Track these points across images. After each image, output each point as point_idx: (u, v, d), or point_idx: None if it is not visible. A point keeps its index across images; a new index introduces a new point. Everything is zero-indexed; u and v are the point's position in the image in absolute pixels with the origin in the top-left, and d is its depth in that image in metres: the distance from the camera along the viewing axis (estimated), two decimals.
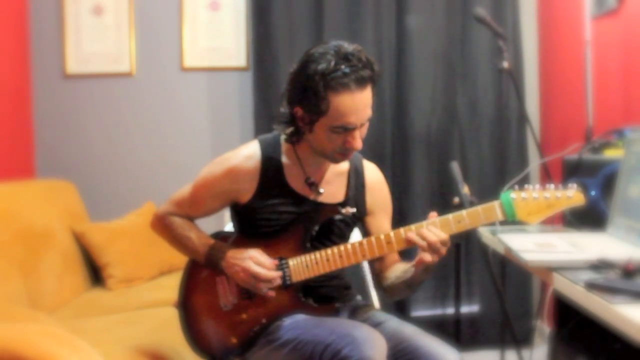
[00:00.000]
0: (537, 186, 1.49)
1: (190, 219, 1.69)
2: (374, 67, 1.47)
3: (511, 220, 1.50)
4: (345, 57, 1.43)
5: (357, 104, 1.45)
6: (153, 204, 2.90)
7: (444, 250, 1.46)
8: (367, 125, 1.52)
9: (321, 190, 1.63)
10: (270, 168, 1.60)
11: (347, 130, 1.47)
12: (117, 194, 3.10)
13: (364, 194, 1.69)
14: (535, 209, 1.48)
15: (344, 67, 1.42)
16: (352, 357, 1.31)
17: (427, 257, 1.45)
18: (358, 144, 1.50)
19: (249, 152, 1.61)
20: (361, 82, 1.44)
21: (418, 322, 1.63)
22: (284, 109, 1.56)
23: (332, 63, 1.42)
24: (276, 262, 1.55)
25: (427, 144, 3.04)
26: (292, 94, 1.51)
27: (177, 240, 1.66)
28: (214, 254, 1.58)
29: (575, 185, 1.49)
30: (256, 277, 1.51)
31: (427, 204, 3.00)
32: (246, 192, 1.59)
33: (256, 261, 1.52)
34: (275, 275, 1.52)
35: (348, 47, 1.45)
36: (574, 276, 1.34)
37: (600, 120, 2.50)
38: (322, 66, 1.42)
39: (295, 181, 1.61)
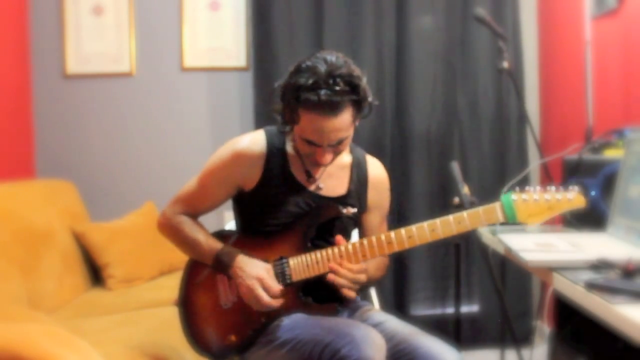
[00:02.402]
0: (538, 188, 1.49)
1: (197, 214, 1.69)
2: (360, 92, 1.45)
3: (511, 222, 1.50)
4: (327, 78, 1.41)
5: (325, 127, 1.44)
6: (153, 204, 2.90)
7: (362, 277, 1.53)
8: (345, 142, 1.52)
9: (321, 185, 1.64)
10: (275, 155, 1.61)
11: (314, 144, 1.49)
12: (117, 194, 3.10)
13: (367, 189, 1.70)
14: (536, 211, 1.49)
15: (320, 88, 1.40)
16: (351, 356, 1.31)
17: (350, 293, 1.52)
18: (324, 160, 1.51)
19: (255, 138, 1.63)
20: (333, 108, 1.42)
21: (418, 322, 1.63)
22: (278, 101, 1.57)
23: (310, 81, 1.41)
24: (282, 288, 1.55)
25: (427, 144, 3.04)
26: (280, 93, 1.53)
27: (184, 243, 1.66)
28: (222, 260, 1.57)
29: (576, 188, 1.49)
30: (258, 301, 1.52)
31: (427, 204, 3.00)
32: (251, 177, 1.60)
33: (264, 285, 1.53)
34: (276, 304, 1.53)
35: (338, 67, 1.43)
36: (574, 276, 1.34)
37: (600, 120, 2.50)
38: (301, 80, 1.42)
39: (298, 172, 1.63)
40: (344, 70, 1.43)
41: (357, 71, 1.47)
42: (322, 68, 1.42)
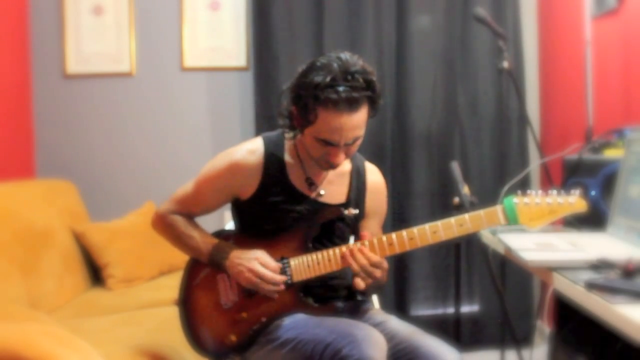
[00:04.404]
0: (540, 191, 1.50)
1: (192, 216, 1.69)
2: (375, 89, 1.45)
3: (513, 225, 1.51)
4: (344, 75, 1.41)
5: (344, 125, 1.43)
6: (153, 204, 2.90)
7: (377, 272, 1.49)
8: (357, 143, 1.52)
9: (322, 192, 1.63)
10: (272, 164, 1.60)
11: (330, 144, 1.48)
12: (117, 194, 3.10)
13: (365, 196, 1.69)
14: (537, 215, 1.49)
15: (338, 85, 1.40)
16: (351, 356, 1.31)
17: (360, 283, 1.49)
18: (339, 160, 1.50)
19: (252, 147, 1.62)
20: (352, 104, 1.42)
21: (418, 322, 1.63)
22: (286, 103, 1.57)
23: (328, 78, 1.40)
24: (281, 265, 1.55)
25: (428, 144, 3.04)
26: (292, 94, 1.52)
27: (179, 239, 1.66)
28: (217, 253, 1.58)
29: (577, 192, 1.49)
30: (262, 278, 1.52)
31: (427, 204, 3.01)
32: (248, 187, 1.60)
33: (262, 262, 1.53)
34: (280, 278, 1.53)
35: (354, 64, 1.43)
36: (574, 276, 1.34)
37: (600, 120, 2.50)
38: (318, 78, 1.41)
39: (297, 180, 1.62)
40: (359, 67, 1.43)
41: (370, 68, 1.47)
42: (337, 65, 1.42)
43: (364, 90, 1.43)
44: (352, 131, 1.46)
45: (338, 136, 1.45)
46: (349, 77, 1.41)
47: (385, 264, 1.53)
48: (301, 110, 1.47)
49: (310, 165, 1.61)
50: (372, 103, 1.47)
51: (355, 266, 1.49)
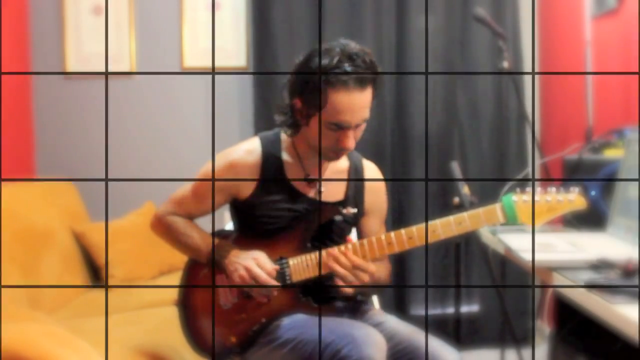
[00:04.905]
0: (539, 189, 1.50)
1: (191, 217, 1.69)
2: (377, 71, 1.48)
3: (512, 223, 1.50)
4: (349, 56, 1.44)
5: (354, 103, 1.45)
6: (153, 204, 2.90)
7: (364, 277, 1.48)
8: (362, 127, 1.52)
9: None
10: (270, 164, 1.60)
11: (341, 128, 1.48)
12: (117, 194, 3.09)
13: (363, 194, 1.69)
14: (537, 212, 1.49)
15: (345, 66, 1.43)
16: (351, 356, 1.32)
17: (346, 289, 1.50)
18: (350, 144, 1.50)
19: (250, 147, 1.62)
20: (361, 83, 1.44)
21: (418, 322, 1.63)
22: (284, 99, 1.57)
23: (335, 60, 1.43)
24: (277, 267, 1.55)
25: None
26: (293, 85, 1.53)
27: (178, 240, 1.65)
28: (217, 252, 1.57)
29: (576, 189, 1.49)
30: (255, 279, 1.51)
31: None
32: (246, 188, 1.59)
33: (259, 263, 1.53)
34: (273, 283, 1.52)
35: (354, 47, 1.47)
36: (574, 276, 1.34)
37: (600, 120, 2.50)
38: (324, 61, 1.44)
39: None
40: (359, 50, 1.47)
41: (368, 49, 1.50)
42: (340, 49, 1.45)
43: (368, 69, 1.46)
44: (361, 111, 1.47)
45: (350, 116, 1.46)
46: (354, 57, 1.44)
47: (372, 268, 1.51)
48: (308, 96, 1.47)
49: (309, 163, 1.61)
50: (375, 84, 1.49)
51: (340, 270, 1.48)
